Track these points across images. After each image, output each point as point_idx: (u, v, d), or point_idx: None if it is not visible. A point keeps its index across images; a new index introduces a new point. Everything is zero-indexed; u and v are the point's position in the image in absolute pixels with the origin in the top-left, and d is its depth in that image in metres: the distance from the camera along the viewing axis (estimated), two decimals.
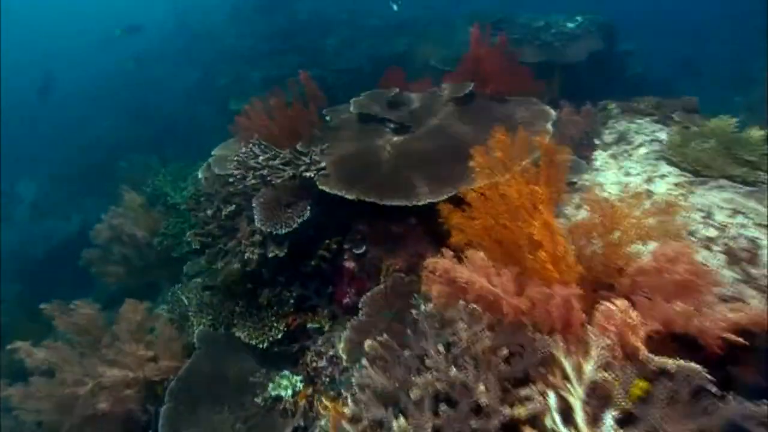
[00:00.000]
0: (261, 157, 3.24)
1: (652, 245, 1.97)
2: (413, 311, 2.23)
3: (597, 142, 4.18)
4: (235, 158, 3.21)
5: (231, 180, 3.20)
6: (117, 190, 6.13)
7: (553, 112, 3.24)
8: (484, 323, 2.01)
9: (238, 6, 10.89)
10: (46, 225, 9.02)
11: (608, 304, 1.71)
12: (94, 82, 12.67)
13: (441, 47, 8.44)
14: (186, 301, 3.90)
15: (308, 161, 3.00)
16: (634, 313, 1.61)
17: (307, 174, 2.90)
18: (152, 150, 9.67)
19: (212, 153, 4.19)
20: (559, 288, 1.75)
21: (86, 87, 11.94)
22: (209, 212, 3.31)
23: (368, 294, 2.78)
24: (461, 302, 2.13)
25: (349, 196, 2.79)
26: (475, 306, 2.02)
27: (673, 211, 1.90)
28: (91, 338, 3.17)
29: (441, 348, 1.90)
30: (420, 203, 2.64)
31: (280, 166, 3.02)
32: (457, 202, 2.57)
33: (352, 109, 3.60)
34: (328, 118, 3.82)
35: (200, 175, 3.98)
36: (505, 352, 1.78)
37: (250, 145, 3.38)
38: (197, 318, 3.36)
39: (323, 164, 2.97)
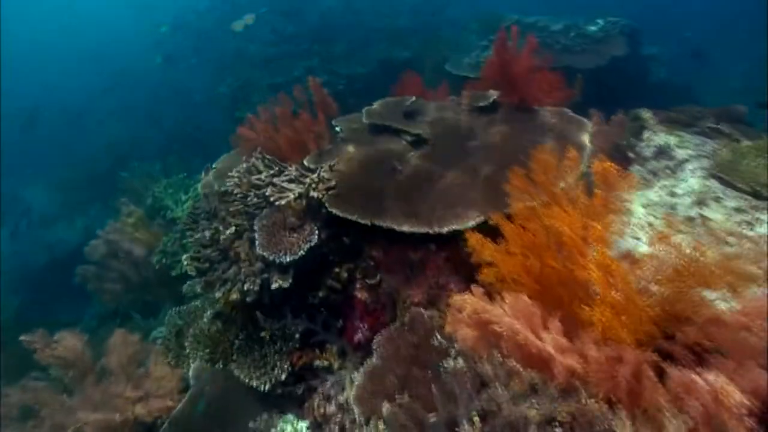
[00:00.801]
0: (264, 174, 2.94)
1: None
2: (440, 366, 1.90)
3: (631, 155, 3.82)
4: (235, 174, 2.91)
5: (231, 199, 2.90)
6: (117, 201, 5.91)
7: (589, 124, 2.89)
8: (526, 384, 1.68)
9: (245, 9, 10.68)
10: (51, 233, 8.84)
11: (690, 374, 1.37)
12: (105, 85, 12.55)
13: (454, 51, 8.13)
14: (183, 326, 3.60)
15: (316, 179, 2.69)
16: (735, 392, 1.25)
17: (315, 194, 2.58)
18: (160, 156, 9.48)
19: (213, 165, 3.90)
20: (629, 353, 1.41)
21: (98, 91, 11.79)
22: (207, 234, 3.01)
23: (383, 333, 2.44)
24: (497, 355, 1.80)
25: (363, 221, 2.47)
26: (515, 364, 1.69)
27: (761, 257, 1.54)
28: (77, 373, 2.88)
29: (476, 419, 1.57)
30: (443, 231, 2.31)
31: (285, 185, 2.71)
32: (488, 230, 2.25)
33: (364, 119, 3.29)
34: (338, 128, 3.51)
35: (199, 190, 3.69)
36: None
37: (253, 159, 3.09)
38: (193, 349, 3.05)
39: (332, 183, 2.65)
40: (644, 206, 2.76)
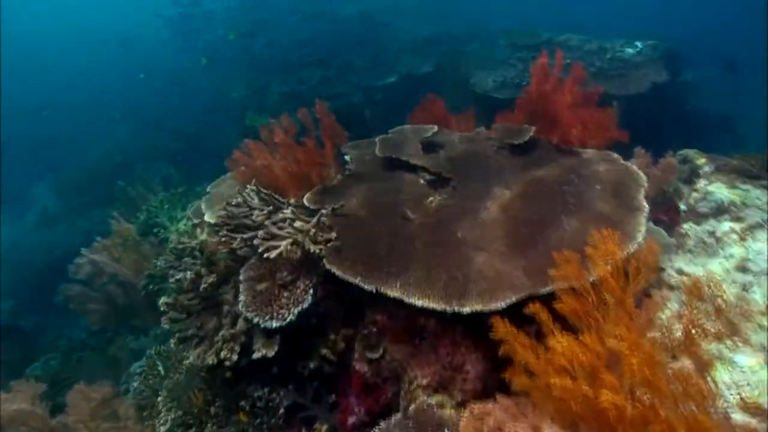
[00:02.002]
0: (257, 212, 2.53)
1: None
2: None
3: (682, 207, 3.32)
4: (223, 211, 2.51)
5: (215, 238, 2.50)
6: (112, 210, 5.59)
7: (644, 178, 2.42)
8: None
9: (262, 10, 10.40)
10: (52, 234, 8.61)
11: None
12: (123, 84, 12.40)
13: (479, 67, 7.68)
14: (162, 371, 3.22)
15: (315, 226, 2.27)
16: None
17: (312, 248, 2.16)
18: (167, 159, 9.22)
19: (207, 190, 3.52)
20: None
21: (106, 90, 11.65)
22: (189, 275, 2.61)
23: (383, 425, 2.00)
24: None
25: (367, 287, 2.04)
26: None
27: None
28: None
29: None
30: (464, 311, 1.86)
31: (277, 230, 2.29)
32: (521, 315, 1.80)
33: (378, 151, 2.86)
34: (347, 156, 3.10)
35: (189, 217, 3.31)
36: None
37: (246, 192, 2.69)
38: (166, 408, 2.65)
39: (333, 234, 2.23)
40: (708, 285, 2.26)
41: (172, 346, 3.24)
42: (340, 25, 9.94)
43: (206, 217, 3.05)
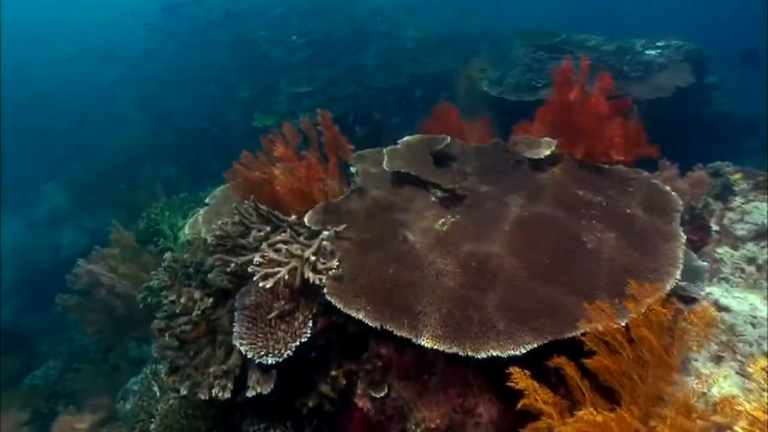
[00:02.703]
0: (254, 233, 2.35)
1: None
2: None
3: (714, 227, 3.07)
4: (219, 231, 2.34)
5: (212, 262, 2.33)
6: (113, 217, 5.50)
7: (680, 202, 2.19)
8: None
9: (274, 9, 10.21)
10: (57, 234, 8.57)
11: None
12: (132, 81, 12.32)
13: (492, 67, 7.42)
14: (157, 392, 3.07)
15: (315, 253, 2.08)
16: None
17: (312, 278, 1.97)
18: (175, 158, 9.12)
19: (206, 201, 3.36)
20: None
21: (113, 87, 11.57)
22: (183, 300, 2.44)
23: None
24: None
25: (372, 324, 1.85)
26: None
27: None
28: None
29: None
30: (479, 356, 1.66)
31: (275, 255, 2.10)
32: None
33: (386, 164, 2.66)
34: (353, 169, 2.90)
35: (186, 231, 3.15)
36: None
37: (244, 208, 2.51)
38: None
39: (335, 263, 2.04)
40: (751, 322, 2.03)
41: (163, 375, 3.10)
42: (351, 24, 9.72)
43: (203, 233, 2.88)
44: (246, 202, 2.56)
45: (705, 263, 2.76)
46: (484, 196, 2.46)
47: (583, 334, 1.61)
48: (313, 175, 2.45)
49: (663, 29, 7.66)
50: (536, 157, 2.51)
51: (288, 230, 2.36)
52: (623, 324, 1.57)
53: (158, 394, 3.01)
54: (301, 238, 2.36)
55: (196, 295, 2.45)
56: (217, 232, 2.36)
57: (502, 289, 1.85)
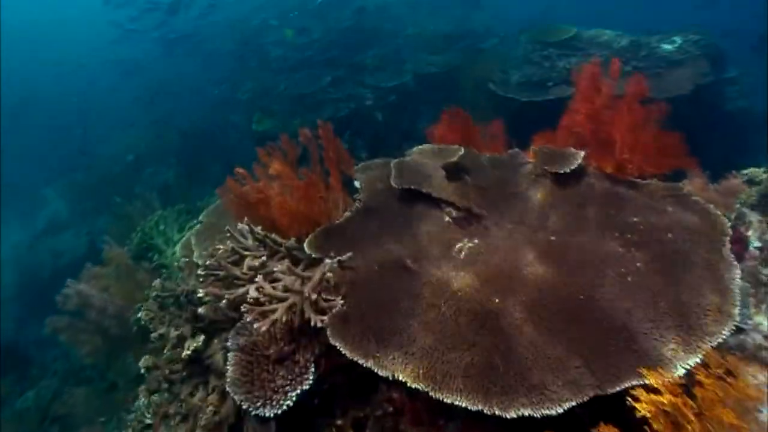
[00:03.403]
0: (248, 262, 2.12)
1: None
2: None
3: (754, 242, 2.80)
4: (208, 261, 2.11)
5: (199, 295, 2.10)
6: (116, 222, 5.32)
7: (728, 227, 1.93)
8: None
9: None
10: (57, 240, 8.39)
11: None
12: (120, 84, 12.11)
13: (501, 67, 7.13)
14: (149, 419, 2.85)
15: (317, 284, 1.85)
16: None
17: (313, 320, 1.73)
18: (175, 163, 8.92)
19: (200, 218, 3.13)
20: None
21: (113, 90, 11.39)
22: (174, 334, 2.22)
23: None
24: None
25: (382, 373, 1.61)
26: None
27: None
28: None
29: None
30: (507, 416, 1.42)
31: (272, 291, 1.87)
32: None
33: (393, 180, 2.41)
34: (357, 183, 2.66)
35: (178, 253, 2.93)
36: None
37: (238, 231, 2.28)
38: None
39: (339, 300, 1.80)
40: None
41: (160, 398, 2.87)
42: (354, 22, 9.46)
43: (195, 256, 2.65)
44: (240, 223, 2.34)
45: (745, 283, 2.50)
46: (503, 216, 2.22)
47: (630, 389, 1.37)
48: (313, 195, 2.21)
49: (676, 22, 7.36)
50: (560, 171, 2.25)
51: (286, 261, 2.13)
52: (678, 378, 1.33)
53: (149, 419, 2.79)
54: (301, 267, 2.13)
55: (186, 330, 2.23)
56: (207, 261, 2.13)
57: (531, 331, 1.61)
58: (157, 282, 2.61)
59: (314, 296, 1.77)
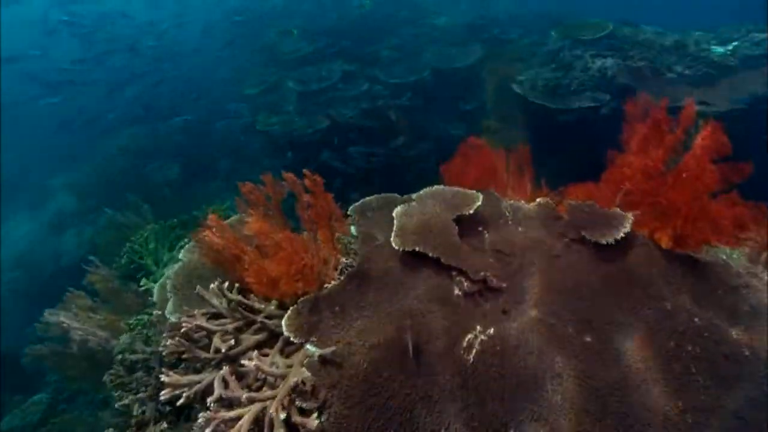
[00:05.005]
0: (216, 340, 1.76)
1: None
2: None
3: None
4: (170, 341, 1.76)
5: (162, 379, 1.76)
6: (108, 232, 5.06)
7: None
8: None
9: None
10: (60, 240, 8.27)
11: None
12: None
13: (527, 65, 6.54)
14: None
15: (289, 391, 1.48)
16: None
17: (297, 421, 1.37)
18: (179, 161, 8.66)
19: (179, 256, 2.77)
20: None
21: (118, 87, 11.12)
22: (138, 413, 1.90)
23: None
24: None
25: None
26: None
27: None
28: None
29: None
30: None
31: (235, 392, 1.51)
32: None
33: (395, 241, 2.00)
34: (353, 229, 2.27)
35: (154, 297, 2.60)
36: None
37: (210, 292, 1.93)
38: None
39: (314, 422, 1.42)
40: None
41: None
42: (369, 10, 8.88)
43: (167, 310, 2.31)
44: (214, 283, 1.98)
45: None
46: (526, 294, 1.80)
47: None
48: (298, 261, 1.82)
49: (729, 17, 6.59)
50: (602, 240, 1.81)
51: (262, 332, 1.78)
52: None
53: None
54: (279, 345, 1.78)
55: (149, 410, 1.91)
56: (169, 341, 1.78)
57: None
58: (124, 338, 2.29)
59: (282, 415, 1.40)
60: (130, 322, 3.41)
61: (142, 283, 3.73)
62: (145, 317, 3.02)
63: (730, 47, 5.16)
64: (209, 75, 9.77)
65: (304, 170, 1.95)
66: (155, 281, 3.76)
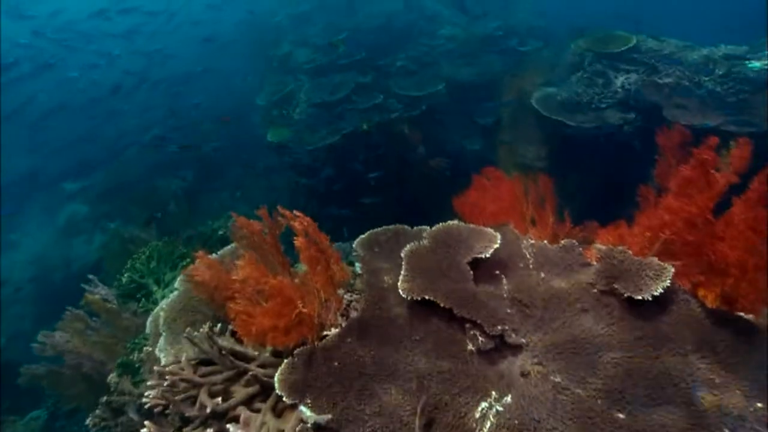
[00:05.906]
0: (202, 396, 1.60)
1: None
2: None
3: None
4: (153, 393, 1.60)
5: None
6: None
7: None
8: None
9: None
10: (71, 246, 8.29)
11: None
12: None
13: (546, 79, 6.30)
14: None
15: None
16: None
17: None
18: (191, 168, 8.64)
19: (176, 285, 2.63)
20: None
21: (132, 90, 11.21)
22: None
23: None
24: None
25: None
26: None
27: None
28: None
29: None
30: None
31: None
32: None
33: (402, 288, 1.80)
34: (357, 268, 2.09)
35: (147, 328, 2.45)
36: None
37: (199, 337, 1.77)
38: None
39: None
40: None
41: None
42: (382, 19, 8.76)
43: (158, 347, 2.15)
44: (203, 330, 1.82)
45: None
46: (549, 357, 1.59)
47: None
48: (289, 313, 1.65)
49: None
50: (636, 295, 1.59)
51: (253, 385, 1.61)
52: None
53: None
54: (271, 402, 1.60)
55: None
56: (152, 393, 1.62)
57: None
58: (112, 377, 2.15)
59: None
60: (126, 346, 3.30)
61: (142, 304, 3.61)
62: (138, 347, 2.89)
63: (766, 62, 4.85)
64: (222, 82, 9.76)
65: (295, 212, 1.78)
66: (155, 302, 3.64)
